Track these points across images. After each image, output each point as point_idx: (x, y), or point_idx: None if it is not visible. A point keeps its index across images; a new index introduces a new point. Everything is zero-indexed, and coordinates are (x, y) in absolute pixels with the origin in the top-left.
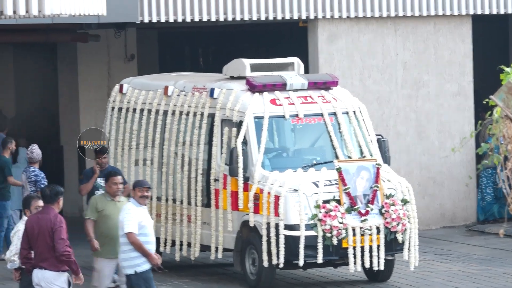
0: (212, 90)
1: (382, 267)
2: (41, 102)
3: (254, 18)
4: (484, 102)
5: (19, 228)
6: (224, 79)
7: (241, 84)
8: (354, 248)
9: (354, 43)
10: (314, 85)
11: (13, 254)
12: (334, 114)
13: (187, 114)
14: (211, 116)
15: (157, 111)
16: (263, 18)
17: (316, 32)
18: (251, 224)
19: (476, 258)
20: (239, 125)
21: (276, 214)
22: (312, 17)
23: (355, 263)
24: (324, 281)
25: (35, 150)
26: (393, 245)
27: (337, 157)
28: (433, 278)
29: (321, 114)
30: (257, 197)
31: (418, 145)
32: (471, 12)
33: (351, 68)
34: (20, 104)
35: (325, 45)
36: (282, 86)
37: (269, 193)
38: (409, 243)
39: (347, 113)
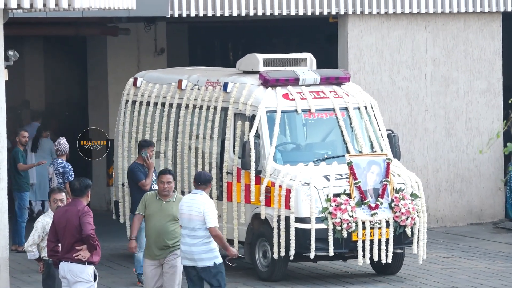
0: (225, 84)
1: (390, 260)
2: (70, 95)
3: (284, 13)
4: (510, 102)
5: (40, 220)
6: (237, 74)
7: (254, 79)
8: (364, 241)
9: (384, 39)
10: (326, 80)
11: (29, 244)
12: (346, 109)
13: (200, 107)
14: (224, 110)
15: (170, 105)
16: (293, 13)
17: (346, 28)
18: (262, 217)
19: (503, 256)
20: (252, 119)
21: (287, 207)
22: (342, 13)
23: (364, 256)
24: (334, 273)
25: (63, 143)
26: (402, 238)
27: (348, 152)
28: (459, 275)
29: (333, 109)
30: (268, 190)
31: (446, 142)
32: (501, 9)
33: (380, 64)
34: (50, 97)
35: (355, 41)
36: (295, 81)
37: (280, 186)
38: (418, 237)
39: (358, 108)
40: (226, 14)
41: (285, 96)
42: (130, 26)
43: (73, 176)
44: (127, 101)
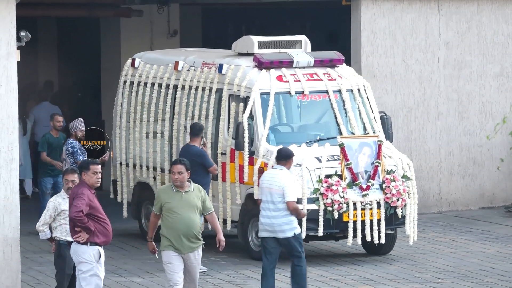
0: (220, 66)
1: (382, 241)
2: (83, 76)
3: None
4: None
5: (52, 200)
6: (232, 56)
7: (249, 61)
8: (355, 222)
9: (397, 22)
10: (320, 63)
11: (41, 224)
12: (339, 91)
13: (196, 89)
14: (219, 91)
15: (167, 86)
16: None
17: (359, 11)
18: (255, 197)
19: None
20: (245, 100)
21: None
22: None
23: (355, 237)
24: (327, 254)
25: (71, 124)
26: (393, 219)
27: (341, 133)
28: (470, 259)
29: (326, 91)
30: (261, 171)
31: (459, 125)
32: None
33: (393, 47)
34: (63, 78)
35: (367, 24)
36: (289, 63)
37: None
38: (409, 218)
39: (351, 90)
40: None
41: (279, 78)
42: (143, 8)
43: (85, 155)
44: (125, 82)
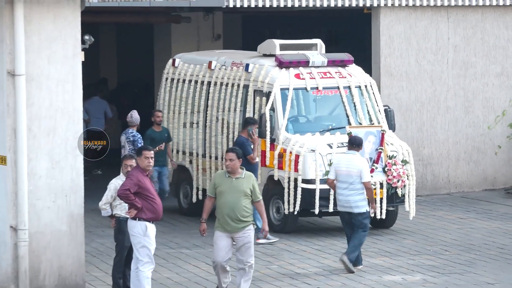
0: (247, 65)
1: (384, 216)
2: (139, 75)
3: (325, 5)
4: None
5: (112, 182)
6: (257, 56)
7: (271, 61)
8: None
9: (412, 28)
10: (333, 63)
11: (103, 203)
12: (349, 87)
13: (226, 85)
14: (246, 87)
15: (202, 82)
16: (332, 5)
17: (378, 18)
18: (276, 178)
19: None
20: (268, 95)
21: (296, 170)
22: (375, 5)
23: None
24: (338, 227)
25: (134, 115)
26: (393, 198)
27: (349, 124)
28: (474, 234)
29: (338, 87)
30: (281, 156)
31: (465, 118)
32: None
33: (408, 50)
34: (121, 77)
35: (386, 29)
36: (305, 63)
37: (290, 152)
38: (408, 197)
39: (359, 87)
40: (274, 5)
41: (297, 76)
42: (191, 15)
43: (141, 144)
44: (167, 79)
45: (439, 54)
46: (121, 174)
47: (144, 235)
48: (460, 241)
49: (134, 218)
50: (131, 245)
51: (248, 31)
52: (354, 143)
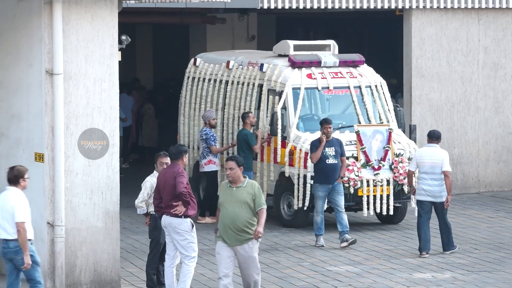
0: (261, 65)
1: (391, 213)
2: (174, 75)
3: (357, 6)
4: None
5: (148, 180)
6: (272, 56)
7: (285, 61)
8: (368, 196)
9: (443, 30)
10: (344, 63)
11: (140, 201)
12: (359, 87)
13: (243, 84)
14: (260, 86)
15: (220, 81)
16: (365, 7)
17: (410, 20)
18: (286, 175)
19: None
20: (280, 94)
21: (305, 167)
22: (407, 7)
23: (368, 209)
24: (368, 222)
25: (205, 114)
26: (400, 195)
27: (359, 123)
28: (504, 233)
29: (348, 87)
30: (292, 153)
31: (495, 118)
32: None
33: (439, 51)
34: (158, 77)
35: (417, 31)
36: (318, 63)
37: (300, 150)
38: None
39: (369, 87)
40: (308, 6)
41: (309, 75)
42: (226, 16)
43: (217, 141)
44: (188, 77)
45: (469, 56)
46: (155, 171)
47: (191, 231)
48: (490, 239)
49: (179, 216)
50: (165, 242)
51: (282, 32)
52: (433, 136)
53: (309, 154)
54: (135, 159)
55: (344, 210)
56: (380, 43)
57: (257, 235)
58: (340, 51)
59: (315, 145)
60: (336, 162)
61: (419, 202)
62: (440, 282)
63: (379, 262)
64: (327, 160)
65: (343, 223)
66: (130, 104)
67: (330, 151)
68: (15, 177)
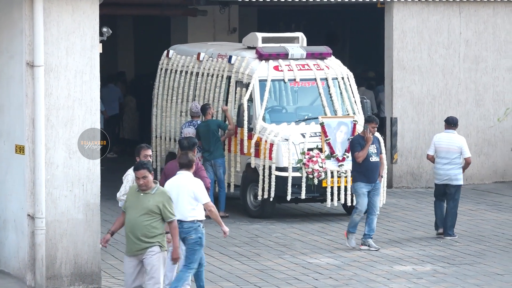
0: (230, 57)
1: (355, 203)
2: (155, 67)
3: (339, 0)
4: None
5: (129, 172)
6: (241, 48)
7: (253, 53)
8: (332, 187)
9: (424, 23)
10: (312, 56)
11: (122, 194)
12: (326, 79)
13: (212, 76)
14: (229, 78)
15: (191, 73)
16: (347, 0)
17: (391, 13)
18: (252, 166)
19: None
20: (247, 86)
21: (270, 158)
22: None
23: (332, 200)
24: (314, 213)
25: (198, 106)
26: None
27: (325, 114)
28: (484, 225)
29: (315, 79)
30: (257, 144)
31: (476, 111)
32: None
33: (420, 44)
34: (139, 69)
35: (399, 24)
36: (285, 56)
37: (266, 141)
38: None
39: (336, 79)
40: None
41: (276, 68)
42: (208, 8)
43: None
44: (161, 69)
45: (451, 49)
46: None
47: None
48: (470, 232)
49: None
50: None
51: (263, 24)
52: (452, 123)
53: (350, 152)
54: (116, 152)
55: (377, 213)
56: (362, 35)
57: (172, 256)
58: (321, 44)
59: (359, 143)
60: (378, 160)
61: (435, 185)
62: (421, 275)
63: (359, 255)
64: (370, 158)
65: (372, 226)
66: (117, 95)
67: (372, 148)
68: (189, 162)
